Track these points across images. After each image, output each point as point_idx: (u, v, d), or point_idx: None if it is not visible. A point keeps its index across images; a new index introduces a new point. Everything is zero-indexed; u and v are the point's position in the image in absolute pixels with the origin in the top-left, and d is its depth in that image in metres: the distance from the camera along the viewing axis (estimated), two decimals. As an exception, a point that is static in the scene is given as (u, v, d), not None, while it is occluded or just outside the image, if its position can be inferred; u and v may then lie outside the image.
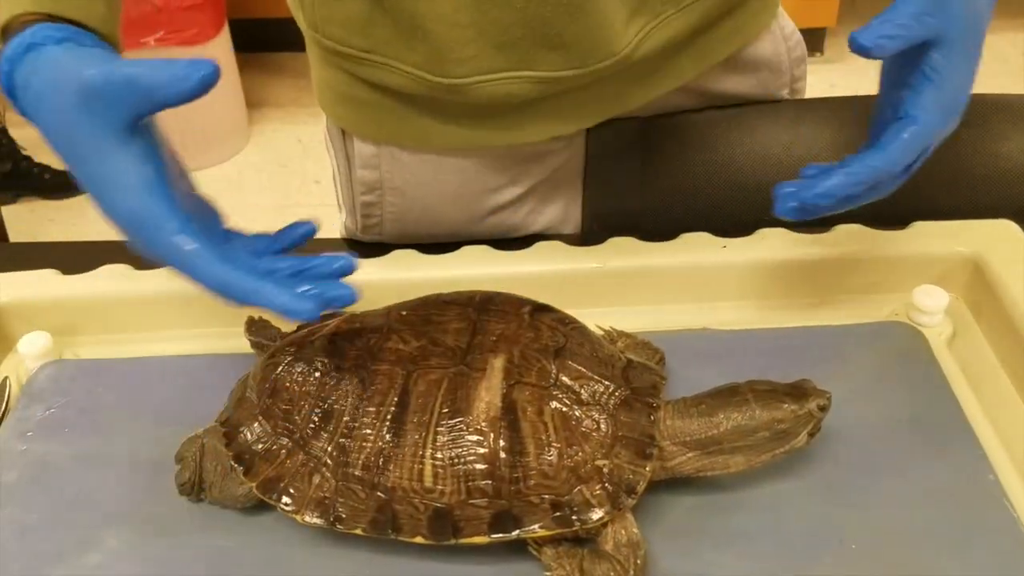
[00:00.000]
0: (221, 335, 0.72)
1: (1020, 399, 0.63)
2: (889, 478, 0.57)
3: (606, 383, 0.54)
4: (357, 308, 0.66)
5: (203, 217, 0.55)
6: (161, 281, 0.73)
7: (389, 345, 0.55)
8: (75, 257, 0.80)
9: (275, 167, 2.54)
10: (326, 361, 0.56)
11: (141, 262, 0.74)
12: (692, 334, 0.69)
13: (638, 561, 0.51)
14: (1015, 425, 0.61)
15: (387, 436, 0.52)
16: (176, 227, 0.49)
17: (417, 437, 0.52)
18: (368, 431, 0.53)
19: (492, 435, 0.52)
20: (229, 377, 0.67)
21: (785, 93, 0.85)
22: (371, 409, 0.53)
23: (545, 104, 0.71)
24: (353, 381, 0.54)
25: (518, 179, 0.79)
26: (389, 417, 0.53)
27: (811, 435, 0.55)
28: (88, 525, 0.58)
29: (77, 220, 2.27)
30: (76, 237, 2.15)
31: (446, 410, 0.52)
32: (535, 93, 0.69)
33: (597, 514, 0.51)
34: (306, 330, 0.61)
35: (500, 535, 0.51)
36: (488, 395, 0.52)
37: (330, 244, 0.84)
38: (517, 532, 0.51)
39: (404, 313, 0.58)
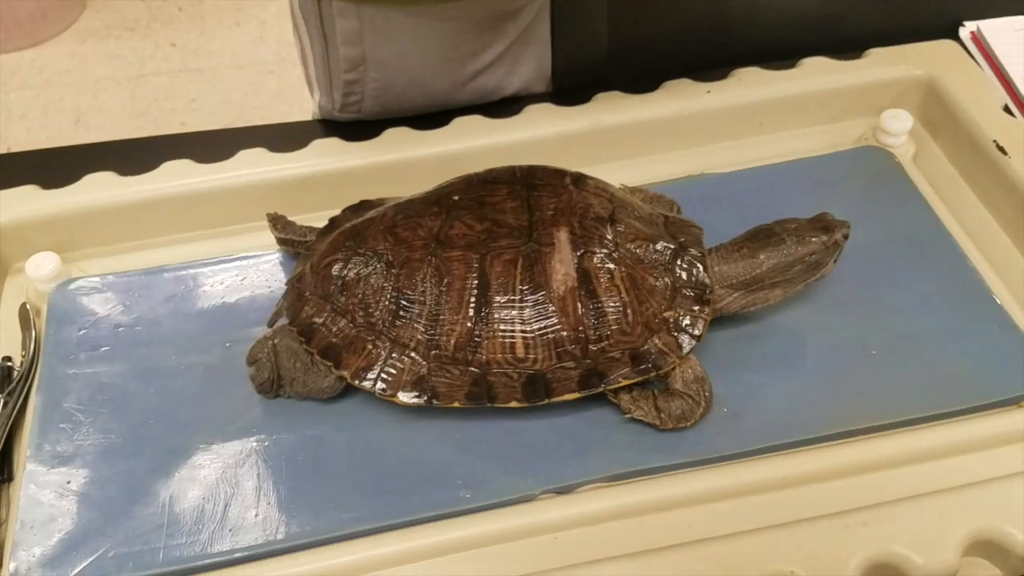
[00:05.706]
0: (223, 234, 0.73)
1: (980, 203, 0.72)
2: (891, 289, 0.65)
3: (658, 241, 0.59)
4: (377, 194, 0.68)
5: None
6: (155, 186, 0.72)
7: (455, 232, 0.58)
8: (35, 167, 0.76)
9: (121, 31, 2.35)
10: (393, 253, 0.58)
11: (123, 168, 0.73)
12: (691, 181, 0.74)
13: (707, 393, 0.58)
14: (982, 225, 0.70)
15: (474, 317, 0.56)
16: None
17: (504, 314, 0.56)
18: (454, 315, 0.56)
19: (573, 303, 0.56)
20: (252, 277, 0.68)
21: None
22: (453, 294, 0.56)
23: None
24: (427, 270, 0.57)
25: (495, 39, 0.79)
26: (473, 300, 0.56)
27: (835, 261, 0.62)
28: (171, 435, 0.60)
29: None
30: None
31: (527, 286, 0.56)
32: None
33: (670, 359, 0.57)
34: (349, 224, 0.62)
35: (588, 390, 0.56)
36: (563, 267, 0.56)
37: (302, 126, 0.84)
38: (603, 385, 0.56)
39: (456, 198, 0.60)
